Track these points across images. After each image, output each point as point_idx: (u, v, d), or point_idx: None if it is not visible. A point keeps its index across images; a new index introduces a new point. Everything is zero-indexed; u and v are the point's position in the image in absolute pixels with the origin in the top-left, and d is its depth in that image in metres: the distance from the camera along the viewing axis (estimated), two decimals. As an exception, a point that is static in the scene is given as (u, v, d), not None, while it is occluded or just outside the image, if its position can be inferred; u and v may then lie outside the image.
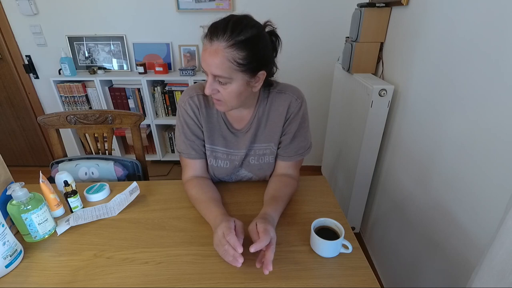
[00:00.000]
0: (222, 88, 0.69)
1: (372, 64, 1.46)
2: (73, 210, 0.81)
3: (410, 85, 1.15)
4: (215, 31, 0.64)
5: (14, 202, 0.66)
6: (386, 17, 1.35)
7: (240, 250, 0.58)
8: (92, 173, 1.06)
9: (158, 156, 2.21)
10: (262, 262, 0.60)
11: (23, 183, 0.68)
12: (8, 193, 0.67)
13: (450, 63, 0.90)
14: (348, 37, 1.60)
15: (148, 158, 2.19)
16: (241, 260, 0.57)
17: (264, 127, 0.83)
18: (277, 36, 0.74)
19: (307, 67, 2.04)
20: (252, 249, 0.57)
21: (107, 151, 1.26)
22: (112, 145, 2.10)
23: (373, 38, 1.40)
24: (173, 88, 2.03)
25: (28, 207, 0.67)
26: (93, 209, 0.82)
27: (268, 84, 0.80)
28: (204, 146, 0.84)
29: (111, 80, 2.08)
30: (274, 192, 0.80)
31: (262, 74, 0.71)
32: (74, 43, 2.01)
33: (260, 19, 0.71)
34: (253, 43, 0.65)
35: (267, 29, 0.71)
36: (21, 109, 2.24)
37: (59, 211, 0.80)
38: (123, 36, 1.99)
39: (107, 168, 1.06)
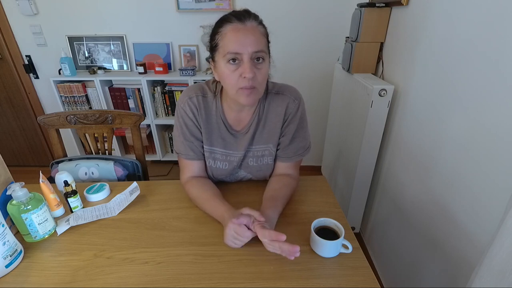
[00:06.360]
0: (258, 70, 0.69)
1: (372, 64, 1.46)
2: (73, 210, 0.81)
3: (410, 85, 1.15)
4: (241, 14, 0.68)
5: (14, 202, 0.66)
6: (386, 17, 1.35)
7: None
8: (92, 173, 1.06)
9: (158, 156, 2.21)
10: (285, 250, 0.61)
11: (23, 183, 0.68)
12: (8, 193, 0.67)
13: (450, 63, 0.90)
14: (348, 37, 1.60)
15: (148, 158, 2.19)
16: None
17: (263, 128, 0.83)
18: None
19: (307, 67, 2.04)
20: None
21: (107, 151, 1.26)
22: (112, 145, 2.10)
23: (373, 38, 1.40)
24: (173, 88, 2.03)
25: (28, 207, 0.67)
26: (93, 209, 0.82)
27: (266, 85, 0.80)
28: (203, 147, 0.84)
29: (111, 80, 2.08)
30: (273, 192, 0.80)
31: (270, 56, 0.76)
32: (74, 43, 2.01)
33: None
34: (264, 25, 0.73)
35: None
36: (21, 109, 2.25)
37: (59, 211, 0.80)
38: (123, 36, 1.99)
39: (107, 168, 1.06)
